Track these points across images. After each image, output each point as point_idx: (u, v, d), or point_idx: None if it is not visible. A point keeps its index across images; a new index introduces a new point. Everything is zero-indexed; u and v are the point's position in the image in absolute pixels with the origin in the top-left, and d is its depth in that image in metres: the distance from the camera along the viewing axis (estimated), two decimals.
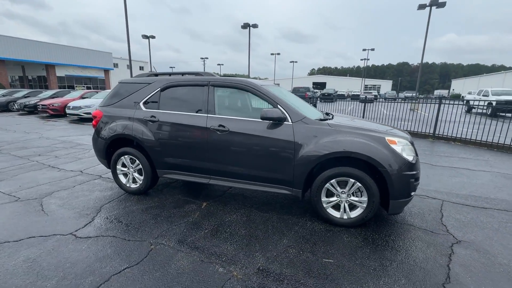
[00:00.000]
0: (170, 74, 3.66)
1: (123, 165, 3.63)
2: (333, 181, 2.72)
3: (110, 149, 3.67)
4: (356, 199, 2.71)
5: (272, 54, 53.24)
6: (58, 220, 2.88)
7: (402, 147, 2.64)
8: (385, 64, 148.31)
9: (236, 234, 2.65)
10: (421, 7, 20.17)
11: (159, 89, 3.42)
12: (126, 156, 3.53)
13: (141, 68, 53.79)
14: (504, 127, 6.99)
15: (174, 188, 3.86)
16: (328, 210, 2.82)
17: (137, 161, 3.48)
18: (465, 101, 19.49)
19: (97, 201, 3.40)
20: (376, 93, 38.76)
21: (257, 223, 2.87)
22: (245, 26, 26.24)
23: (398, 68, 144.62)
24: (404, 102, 12.52)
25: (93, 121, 3.79)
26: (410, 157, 2.62)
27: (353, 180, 2.65)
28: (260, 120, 2.96)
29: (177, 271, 2.09)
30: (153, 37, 30.37)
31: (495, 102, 16.15)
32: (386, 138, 2.66)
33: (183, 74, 3.56)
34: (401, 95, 47.26)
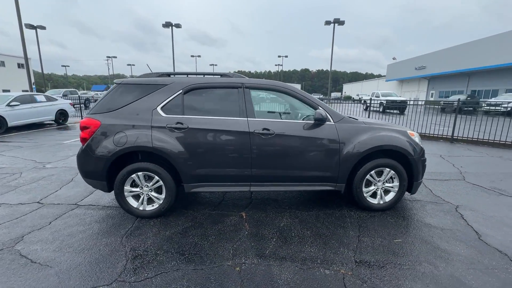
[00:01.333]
0: (187, 74, 3.22)
1: (133, 185, 2.96)
2: (372, 172, 3.09)
3: (113, 167, 2.93)
4: (390, 185, 3.16)
5: (192, 56, 51.65)
6: (73, 272, 2.11)
7: (418, 138, 3.27)
8: (291, 70, 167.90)
9: (305, 236, 2.64)
10: (327, 23, 24.01)
11: (181, 91, 2.97)
12: (139, 173, 2.90)
13: (20, 65, 42.04)
14: (392, 119, 9.33)
15: (188, 204, 3.40)
16: (368, 198, 3.17)
17: (156, 178, 2.91)
18: (363, 101, 24.42)
19: (107, 235, 2.65)
20: None
21: (311, 222, 2.94)
22: (167, 25, 24.56)
23: (301, 74, 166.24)
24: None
25: (81, 134, 2.92)
26: (421, 145, 3.27)
27: (388, 169, 3.08)
28: (300, 121, 3.04)
29: (290, 285, 1.96)
30: (42, 27, 24.25)
31: (385, 101, 20.98)
32: (408, 131, 3.22)
33: (204, 75, 3.20)
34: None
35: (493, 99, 20.79)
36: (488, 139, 7.38)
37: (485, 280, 1.99)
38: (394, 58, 46.80)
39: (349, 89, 75.20)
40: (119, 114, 2.91)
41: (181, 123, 2.87)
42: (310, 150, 2.98)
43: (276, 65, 59.08)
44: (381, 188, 3.17)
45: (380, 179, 3.13)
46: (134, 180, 2.93)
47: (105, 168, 2.87)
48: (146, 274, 2.07)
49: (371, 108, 22.80)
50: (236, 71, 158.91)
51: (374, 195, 3.20)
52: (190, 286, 1.95)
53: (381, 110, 20.89)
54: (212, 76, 3.19)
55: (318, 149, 2.99)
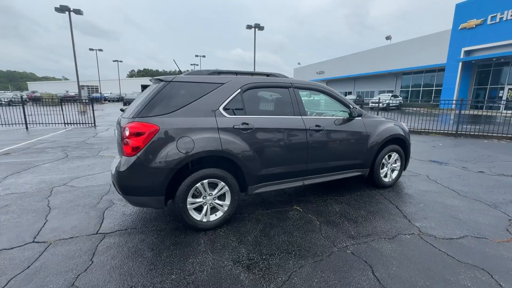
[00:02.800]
0: (236, 73, 3.06)
1: (194, 195, 2.64)
2: (386, 156, 3.84)
3: (175, 178, 2.53)
4: (395, 165, 4.01)
5: (91, 49, 43.21)
6: None
7: (406, 127, 4.25)
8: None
9: (364, 215, 3.08)
10: (249, 27, 25.29)
11: (239, 90, 2.84)
12: (205, 181, 2.61)
13: None
14: None
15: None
16: (383, 178, 3.91)
17: (221, 184, 2.70)
18: None
19: (190, 256, 2.31)
20: None
21: (356, 204, 3.40)
22: (62, 9, 19.93)
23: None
24: None
25: (131, 142, 2.36)
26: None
27: (395, 153, 3.91)
28: (340, 117, 3.47)
29: (396, 252, 2.35)
30: None
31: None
32: (401, 123, 4.15)
33: (252, 74, 3.13)
34: None
35: (374, 98, 26.99)
36: None
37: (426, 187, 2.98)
38: (299, 63, 53.81)
39: None
40: (179, 116, 2.53)
41: (247, 124, 2.77)
42: (348, 142, 3.45)
43: (192, 64, 57.20)
44: (390, 169, 3.97)
45: (389, 161, 3.93)
46: (196, 190, 2.62)
47: (166, 180, 2.45)
48: (281, 278, 2.02)
49: None
50: (141, 69, 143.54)
51: (385, 175, 3.98)
52: (329, 275, 2.05)
53: None
54: (259, 75, 3.17)
55: (354, 141, 3.49)
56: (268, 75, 3.22)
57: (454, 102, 15.21)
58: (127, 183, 2.43)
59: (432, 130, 9.75)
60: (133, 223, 2.88)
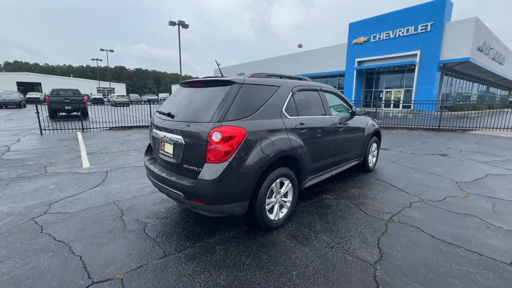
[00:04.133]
0: (280, 76, 3.20)
1: (269, 196, 2.70)
2: (372, 145, 4.80)
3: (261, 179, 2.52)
4: (375, 152, 5.03)
5: None
6: None
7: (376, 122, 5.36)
8: (101, 66, 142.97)
9: (378, 194, 3.84)
10: (172, 23, 23.81)
11: (291, 93, 3.03)
12: (277, 180, 2.71)
13: None
14: None
15: None
16: (370, 164, 4.85)
17: (287, 182, 2.85)
18: None
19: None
20: (128, 97, 38.22)
21: (366, 188, 4.14)
22: None
23: (116, 71, 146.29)
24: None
25: (222, 147, 2.21)
26: None
27: (375, 142, 4.92)
28: (349, 115, 4.11)
29: (431, 214, 3.16)
30: None
31: None
32: (374, 119, 5.21)
33: (290, 77, 3.35)
34: (144, 98, 50.51)
35: None
36: None
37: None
38: (218, 64, 54.06)
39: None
40: (258, 119, 2.53)
41: (302, 124, 3.01)
42: (355, 136, 4.16)
43: (93, 59, 48.51)
44: (372, 156, 4.97)
45: (372, 150, 4.92)
46: (272, 190, 2.69)
47: (253, 183, 2.44)
48: (375, 251, 2.43)
49: None
50: (12, 62, 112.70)
51: (369, 161, 4.94)
52: (401, 237, 2.61)
53: None
54: (296, 79, 3.43)
55: (358, 135, 4.23)
56: (300, 79, 3.53)
57: (353, 102, 19.02)
58: (219, 191, 2.27)
59: None
60: (197, 236, 2.65)
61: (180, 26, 24.39)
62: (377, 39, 24.71)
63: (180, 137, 2.47)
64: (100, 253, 2.35)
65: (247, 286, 1.97)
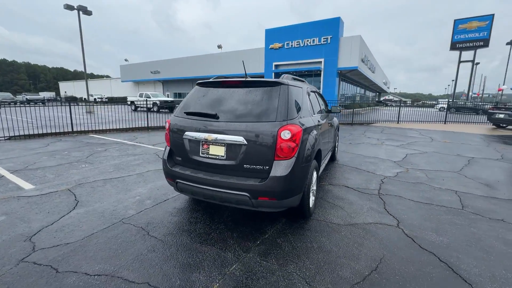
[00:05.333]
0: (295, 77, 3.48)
1: None
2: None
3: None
4: (337, 144, 6.02)
5: None
6: None
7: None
8: None
9: (361, 175, 4.71)
10: (69, 7, 19.57)
11: (307, 94, 3.39)
12: (314, 172, 3.05)
13: None
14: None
15: None
16: (336, 154, 5.77)
17: (315, 173, 3.22)
18: (130, 102, 24.10)
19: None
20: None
21: (348, 173, 4.97)
22: None
23: None
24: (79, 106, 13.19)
25: (291, 144, 2.35)
26: None
27: (337, 135, 5.91)
28: (326, 112, 4.83)
29: (407, 186, 4.16)
30: None
31: (158, 102, 22.68)
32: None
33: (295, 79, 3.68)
34: (20, 97, 39.16)
35: None
36: None
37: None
38: (126, 60, 47.81)
39: (69, 88, 63.61)
40: (302, 117, 2.77)
41: (318, 121, 3.43)
42: (333, 129, 4.92)
43: None
44: (336, 147, 5.93)
45: (337, 141, 5.88)
46: None
47: (307, 175, 2.69)
48: (393, 222, 3.13)
49: (141, 109, 23.56)
50: None
51: (336, 152, 5.87)
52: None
53: (155, 110, 22.31)
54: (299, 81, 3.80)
55: (334, 128, 5.02)
56: (302, 81, 3.92)
57: None
58: (289, 186, 2.41)
59: None
60: (252, 236, 2.67)
61: (81, 12, 20.35)
62: (290, 46, 27.89)
63: (241, 137, 2.44)
64: (169, 275, 2.08)
65: (333, 263, 2.25)
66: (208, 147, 2.62)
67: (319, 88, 27.94)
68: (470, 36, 37.14)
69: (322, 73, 26.54)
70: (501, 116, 11.88)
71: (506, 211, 3.34)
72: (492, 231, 2.85)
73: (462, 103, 28.46)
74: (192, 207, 3.35)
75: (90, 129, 9.61)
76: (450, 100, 27.11)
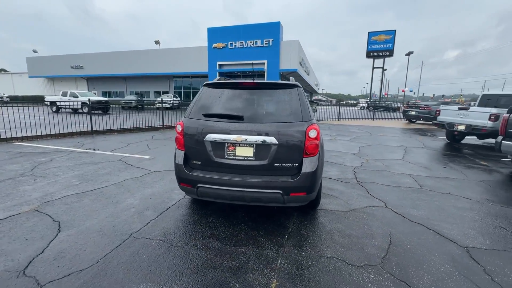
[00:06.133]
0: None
1: None
2: None
3: None
4: None
5: None
6: None
7: None
8: None
9: (339, 170, 5.28)
10: None
11: None
12: None
13: None
14: (99, 119, 11.98)
15: None
16: None
17: None
18: (49, 102, 20.47)
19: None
20: None
21: (325, 166, 5.48)
22: None
23: None
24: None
25: (318, 142, 2.57)
26: None
27: None
28: None
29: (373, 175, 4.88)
30: None
31: (89, 101, 19.72)
32: None
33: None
34: None
35: (159, 98, 28.47)
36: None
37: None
38: (35, 51, 39.54)
39: None
40: (313, 116, 3.01)
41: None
42: None
43: None
44: None
45: None
46: None
47: (323, 169, 2.94)
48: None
49: (63, 110, 20.23)
50: None
51: None
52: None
53: (86, 111, 19.38)
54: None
55: None
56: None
57: None
58: (316, 180, 2.62)
59: None
60: (279, 232, 2.79)
61: None
62: (233, 46, 28.13)
63: (272, 138, 2.52)
64: (225, 282, 2.04)
65: (358, 244, 2.58)
66: (235, 149, 2.62)
67: None
68: (380, 47, 44.53)
69: (265, 74, 27.69)
70: (413, 113, 14.90)
71: (449, 187, 4.36)
72: (448, 201, 3.71)
73: (378, 102, 33.99)
74: (200, 212, 3.24)
75: (8, 136, 7.76)
76: (369, 100, 32.14)
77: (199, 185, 2.66)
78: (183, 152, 2.80)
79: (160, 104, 22.40)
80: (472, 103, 14.75)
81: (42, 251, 2.35)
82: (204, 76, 31.25)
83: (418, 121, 15.87)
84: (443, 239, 2.71)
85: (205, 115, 2.75)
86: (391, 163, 5.88)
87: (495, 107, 7.64)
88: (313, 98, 75.66)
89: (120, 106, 27.14)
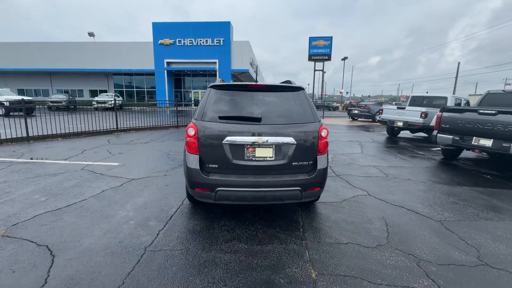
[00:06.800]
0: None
1: None
2: None
3: None
4: None
5: None
6: None
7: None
8: None
9: None
10: None
11: None
12: None
13: None
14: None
15: None
16: None
17: None
18: None
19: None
20: None
21: None
22: None
23: None
24: None
25: (327, 139, 2.82)
26: None
27: None
28: None
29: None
30: None
31: (7, 102, 16.38)
32: None
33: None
34: None
35: (97, 98, 25.45)
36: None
37: None
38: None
39: None
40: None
41: None
42: None
43: None
44: None
45: None
46: None
47: None
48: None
49: None
50: None
51: None
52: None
53: (2, 113, 15.96)
54: None
55: None
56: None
57: (167, 102, 20.17)
58: (326, 175, 2.86)
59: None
60: (292, 229, 2.95)
61: None
62: (182, 44, 26.96)
63: (291, 138, 2.65)
64: (270, 280, 2.09)
65: (363, 229, 2.94)
66: (254, 150, 2.66)
67: None
68: (320, 51, 48.70)
69: (217, 73, 27.41)
70: (356, 111, 16.93)
71: (406, 174, 5.21)
72: (411, 186, 4.46)
73: (320, 102, 37.19)
74: (207, 216, 3.16)
75: None
76: (312, 100, 34.98)
77: (218, 188, 2.62)
78: (198, 156, 2.70)
79: (100, 105, 20.05)
80: (394, 102, 17.69)
81: (45, 282, 2.00)
82: (150, 74, 29.13)
83: (359, 119, 18.12)
84: (422, 216, 3.29)
85: (221, 118, 2.71)
86: (355, 156, 6.65)
87: (418, 105, 9.39)
88: None
89: (46, 106, 23.06)
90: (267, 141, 2.64)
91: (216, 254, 2.41)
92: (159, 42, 27.15)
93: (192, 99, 29.72)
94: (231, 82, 2.99)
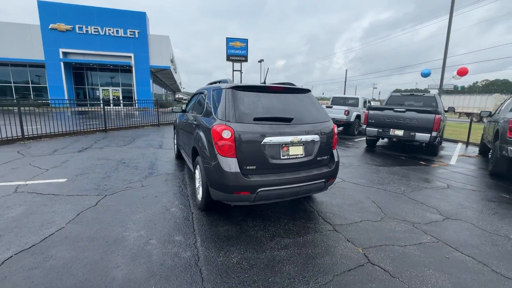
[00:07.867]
0: None
1: None
2: None
3: None
4: None
5: None
6: None
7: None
8: None
9: None
10: None
11: None
12: None
13: None
14: None
15: None
16: None
17: None
18: None
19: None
20: None
21: None
22: None
23: None
24: None
25: (337, 136, 3.25)
26: None
27: None
28: None
29: None
30: None
31: None
32: None
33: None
34: None
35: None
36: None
37: None
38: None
39: None
40: None
41: None
42: None
43: None
44: None
45: None
46: None
47: None
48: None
49: None
50: None
51: None
52: None
53: None
54: None
55: None
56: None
57: (67, 101, 16.87)
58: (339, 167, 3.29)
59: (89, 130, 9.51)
60: (306, 229, 3.25)
61: None
62: (84, 32, 22.55)
63: (316, 135, 2.92)
64: (322, 269, 2.33)
65: (361, 210, 3.56)
66: (288, 149, 2.80)
67: (131, 86, 25.61)
68: (237, 52, 50.29)
69: (133, 69, 24.49)
70: None
71: (354, 160, 6.36)
72: (363, 170, 5.52)
73: None
74: (227, 221, 3.08)
75: None
76: None
77: (260, 189, 2.64)
78: (235, 159, 2.63)
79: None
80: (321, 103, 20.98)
81: None
82: (39, 65, 23.09)
83: None
84: (391, 192, 4.23)
85: (256, 119, 2.72)
86: None
87: (338, 104, 11.48)
88: (176, 96, 73.97)
89: None
90: (300, 139, 2.84)
91: (273, 253, 2.46)
92: (50, 27, 21.73)
93: (101, 97, 25.40)
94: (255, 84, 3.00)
